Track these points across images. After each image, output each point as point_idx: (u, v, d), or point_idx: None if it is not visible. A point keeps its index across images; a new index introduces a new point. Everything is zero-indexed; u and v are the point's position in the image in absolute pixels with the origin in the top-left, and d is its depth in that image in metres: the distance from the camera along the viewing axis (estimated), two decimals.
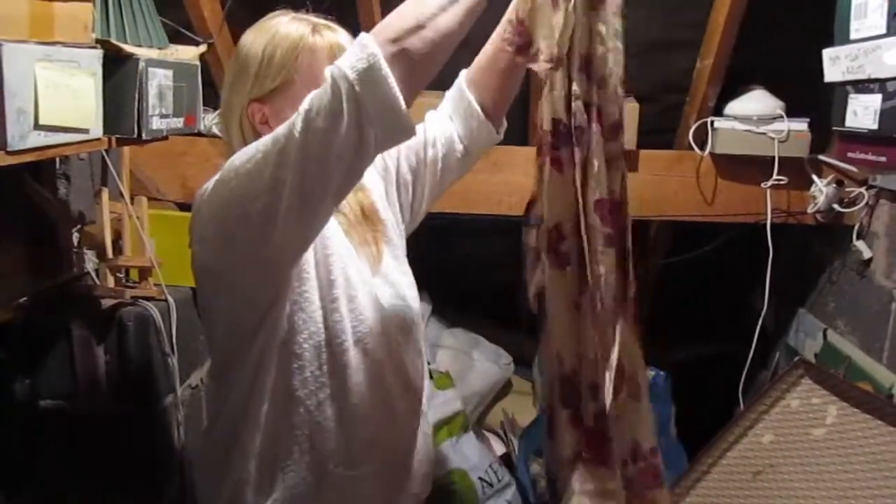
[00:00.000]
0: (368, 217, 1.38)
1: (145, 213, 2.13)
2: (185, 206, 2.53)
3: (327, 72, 1.05)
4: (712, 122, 2.41)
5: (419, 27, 1.04)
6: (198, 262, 1.27)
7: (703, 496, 2.08)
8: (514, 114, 2.68)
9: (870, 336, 2.18)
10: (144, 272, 2.08)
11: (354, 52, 1.04)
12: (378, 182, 1.47)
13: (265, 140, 1.10)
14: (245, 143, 1.23)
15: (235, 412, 1.27)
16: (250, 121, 1.23)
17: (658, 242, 2.99)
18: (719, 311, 3.00)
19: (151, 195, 2.38)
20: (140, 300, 2.03)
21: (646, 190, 2.47)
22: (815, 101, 2.18)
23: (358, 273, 1.29)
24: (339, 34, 1.24)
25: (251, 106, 1.24)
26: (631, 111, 2.39)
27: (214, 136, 2.48)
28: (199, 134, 2.32)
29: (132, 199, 2.11)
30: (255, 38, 1.24)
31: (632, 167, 2.46)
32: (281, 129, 1.08)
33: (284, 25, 1.23)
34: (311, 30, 1.23)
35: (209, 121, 2.40)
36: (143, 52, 1.53)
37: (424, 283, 1.63)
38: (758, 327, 2.50)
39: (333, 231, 1.29)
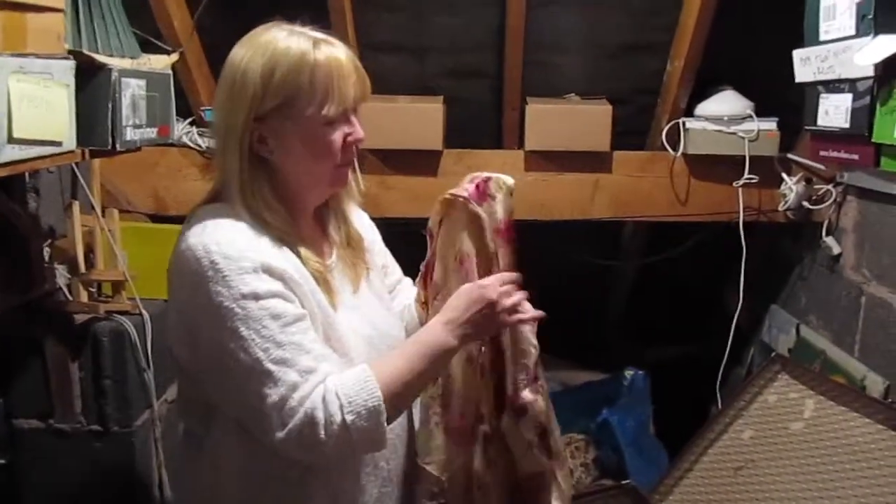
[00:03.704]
0: (352, 244, 1.39)
1: (117, 225, 2.10)
2: (157, 218, 2.50)
3: (337, 407, 1.14)
4: (684, 123, 2.45)
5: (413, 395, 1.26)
6: (168, 322, 1.25)
7: (685, 493, 2.11)
8: (487, 117, 2.72)
9: (841, 330, 2.23)
10: (118, 286, 2.05)
11: (369, 414, 1.15)
12: (369, 231, 1.49)
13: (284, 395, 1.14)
14: (242, 162, 1.20)
15: (219, 448, 1.25)
16: (250, 140, 1.21)
17: (633, 243, 3.02)
18: (695, 310, 3.04)
19: (122, 207, 2.34)
20: (114, 315, 1.99)
21: (620, 191, 2.50)
22: (783, 100, 2.23)
23: (338, 304, 1.29)
24: (338, 48, 1.22)
25: (251, 125, 1.21)
26: (604, 113, 2.42)
27: (185, 146, 2.45)
28: (171, 144, 2.29)
29: (103, 211, 2.08)
30: (251, 55, 1.19)
31: (606, 168, 2.49)
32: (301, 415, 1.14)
33: (283, 41, 1.19)
34: (312, 45, 1.20)
35: (180, 130, 2.38)
36: (116, 63, 1.51)
37: None
38: (733, 325, 2.54)
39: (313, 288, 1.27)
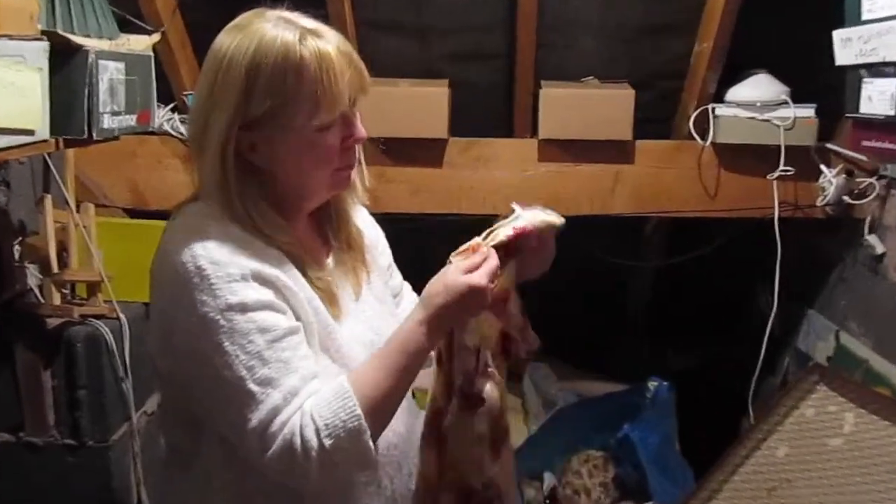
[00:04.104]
0: (352, 247, 1.40)
1: (92, 221, 2.12)
2: (135, 213, 2.52)
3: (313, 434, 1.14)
4: (713, 110, 2.46)
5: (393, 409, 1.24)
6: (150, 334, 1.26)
7: None
8: (497, 103, 2.73)
9: (885, 336, 2.23)
10: (93, 287, 2.07)
11: (349, 435, 1.15)
12: (371, 229, 1.49)
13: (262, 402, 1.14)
14: (226, 171, 1.20)
15: (209, 464, 1.26)
16: (236, 148, 1.21)
17: (655, 241, 3.03)
18: (723, 315, 3.04)
19: (98, 201, 2.36)
20: (89, 319, 2.01)
21: (642, 183, 2.51)
22: (822, 85, 2.23)
23: (338, 315, 1.30)
24: (328, 40, 1.21)
25: (238, 133, 1.21)
26: (626, 98, 2.42)
27: (167, 134, 2.47)
28: (151, 132, 2.31)
29: (78, 206, 2.09)
30: (236, 47, 1.17)
31: (628, 159, 2.50)
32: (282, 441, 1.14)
33: (270, 31, 1.19)
34: (298, 38, 1.19)
35: (161, 117, 2.39)
36: (93, 44, 1.52)
37: None
38: (766, 331, 2.54)
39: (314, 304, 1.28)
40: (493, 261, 1.25)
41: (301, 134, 1.21)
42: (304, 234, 1.34)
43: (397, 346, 1.23)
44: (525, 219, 1.31)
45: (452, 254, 1.35)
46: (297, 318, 1.21)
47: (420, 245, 2.68)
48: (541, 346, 1.49)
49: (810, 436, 2.04)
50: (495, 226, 1.33)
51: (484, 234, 1.33)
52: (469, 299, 1.22)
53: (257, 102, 1.18)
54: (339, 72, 1.19)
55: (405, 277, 1.61)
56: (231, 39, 1.20)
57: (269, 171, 1.24)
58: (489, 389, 1.37)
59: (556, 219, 1.35)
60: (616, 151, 2.49)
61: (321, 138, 1.22)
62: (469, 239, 1.36)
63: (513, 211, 1.34)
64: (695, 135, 2.46)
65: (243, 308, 1.15)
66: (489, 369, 1.36)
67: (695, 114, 2.46)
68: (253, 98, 1.17)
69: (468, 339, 1.35)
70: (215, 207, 1.21)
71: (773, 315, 2.52)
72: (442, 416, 1.37)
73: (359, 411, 1.16)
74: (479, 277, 1.22)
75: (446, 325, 1.26)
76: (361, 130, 1.27)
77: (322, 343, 1.24)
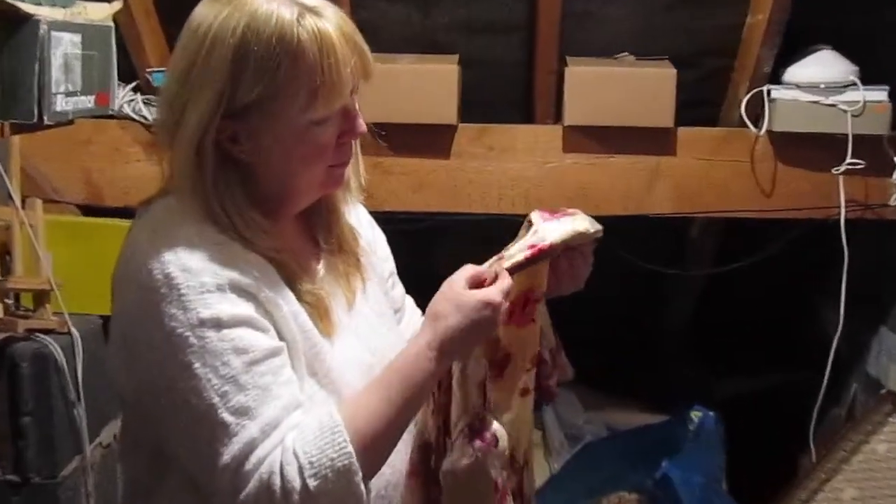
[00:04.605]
0: (344, 248, 1.40)
1: (40, 219, 2.13)
2: (90, 210, 2.53)
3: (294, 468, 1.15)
4: (769, 92, 2.46)
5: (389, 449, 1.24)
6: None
7: None
8: (514, 83, 2.74)
9: None
10: (41, 297, 2.08)
11: (337, 476, 1.15)
12: (368, 230, 1.51)
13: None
14: (203, 164, 1.20)
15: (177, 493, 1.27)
16: (215, 139, 1.21)
17: (701, 246, 3.03)
18: (779, 333, 3.04)
19: (48, 196, 2.37)
20: (36, 334, 2.02)
21: (686, 179, 2.52)
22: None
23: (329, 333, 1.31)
24: (327, 20, 1.21)
25: (220, 123, 1.21)
26: (666, 78, 2.43)
27: (127, 117, 2.48)
28: (110, 116, 2.32)
29: (23, 202, 2.10)
30: (222, 23, 1.16)
31: (668, 150, 2.51)
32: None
33: (263, 5, 1.18)
34: (296, 17, 1.19)
35: (121, 98, 2.41)
36: (44, 12, 1.54)
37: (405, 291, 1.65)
38: (831, 352, 2.54)
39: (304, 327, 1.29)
40: (507, 279, 1.26)
41: (292, 127, 1.21)
42: (291, 237, 1.34)
43: (399, 373, 1.24)
44: (546, 232, 1.31)
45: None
46: (281, 337, 1.22)
47: (423, 250, 2.69)
48: (574, 376, 1.50)
49: (882, 475, 2.05)
50: (515, 247, 1.34)
51: (496, 259, 1.34)
52: (484, 318, 1.23)
53: (244, 89, 1.18)
54: (341, 59, 1.19)
55: (407, 286, 1.61)
56: (216, 12, 1.19)
57: (251, 166, 1.24)
58: (497, 427, 1.37)
59: (589, 227, 1.35)
60: (655, 141, 2.50)
61: (315, 133, 1.22)
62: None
63: (531, 223, 1.35)
64: (747, 122, 2.47)
65: (217, 324, 1.15)
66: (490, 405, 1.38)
67: (747, 97, 2.47)
68: (240, 84, 1.17)
69: (472, 368, 1.36)
70: (188, 205, 1.21)
71: (838, 333, 2.52)
72: (430, 451, 1.39)
73: (349, 448, 1.16)
74: (494, 293, 1.23)
75: (458, 349, 1.26)
76: (362, 125, 1.27)
77: (309, 366, 1.25)
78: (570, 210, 1.38)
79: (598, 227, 1.36)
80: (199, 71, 1.18)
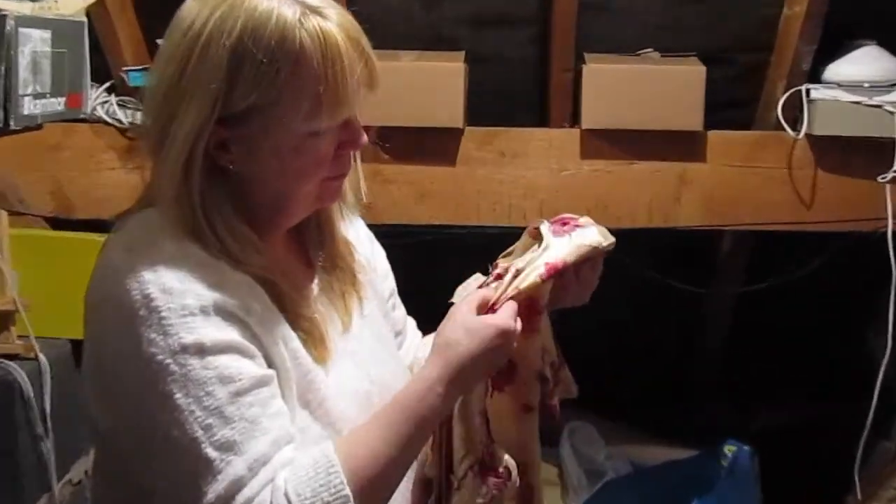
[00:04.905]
0: (339, 265, 1.40)
1: (5, 233, 2.14)
2: (59, 223, 2.54)
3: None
4: (808, 92, 2.46)
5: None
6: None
7: None
8: (526, 82, 2.74)
9: None
10: (6, 319, 2.08)
11: None
12: (367, 245, 1.51)
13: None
14: (190, 175, 1.21)
15: None
16: (206, 144, 1.21)
17: (734, 263, 3.03)
18: (821, 358, 3.04)
19: (13, 208, 2.38)
20: (0, 359, 2.03)
21: (716, 188, 2.52)
22: None
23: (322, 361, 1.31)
24: (332, 22, 1.21)
25: (211, 127, 1.21)
26: (694, 77, 2.44)
27: (101, 121, 2.49)
28: (82, 119, 2.33)
29: None
30: (217, 21, 1.14)
31: (697, 156, 2.51)
32: None
33: (263, 3, 1.19)
34: (299, 17, 1.19)
35: (94, 100, 2.41)
36: (11, 7, 1.54)
37: (407, 313, 1.64)
38: (878, 380, 2.53)
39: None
40: (514, 303, 1.28)
41: (289, 136, 1.21)
42: (282, 254, 1.35)
43: (404, 409, 1.24)
44: (558, 249, 1.33)
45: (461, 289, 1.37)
46: (270, 364, 1.22)
47: (426, 267, 2.69)
48: (578, 394, 1.50)
49: None
50: (522, 255, 1.35)
51: (501, 268, 1.35)
52: (498, 347, 1.24)
53: (239, 95, 1.18)
54: (348, 67, 1.19)
55: (407, 305, 1.61)
56: (209, 10, 1.19)
57: (240, 177, 1.24)
58: (508, 458, 1.38)
59: (602, 240, 1.36)
60: (682, 146, 2.50)
61: (313, 144, 1.23)
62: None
63: (539, 234, 1.35)
64: (784, 124, 2.47)
65: (201, 350, 1.15)
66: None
67: (784, 97, 2.47)
68: (235, 89, 1.18)
69: (473, 396, 1.36)
70: (170, 218, 1.22)
71: (886, 359, 2.52)
72: (430, 487, 1.40)
73: (346, 491, 1.16)
74: (507, 319, 1.25)
75: (469, 382, 1.27)
76: (363, 136, 1.28)
77: (301, 396, 1.25)
78: (581, 220, 1.39)
79: (611, 239, 1.37)
80: (193, 74, 1.18)
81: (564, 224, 1.38)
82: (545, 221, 1.38)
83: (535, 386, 1.41)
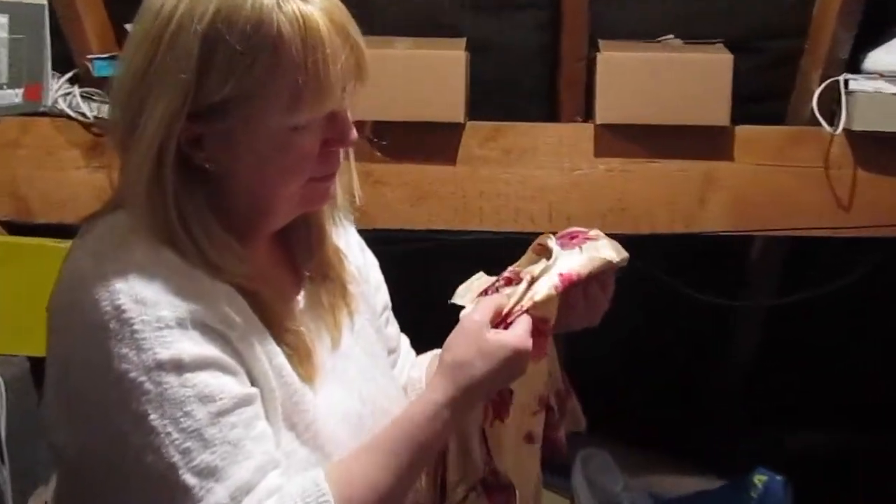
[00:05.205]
0: (329, 275, 1.40)
1: None
2: (16, 228, 2.54)
3: None
4: (846, 83, 2.46)
5: None
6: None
7: None
8: (534, 72, 2.74)
9: None
10: None
11: None
12: (358, 254, 1.53)
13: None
14: (162, 173, 1.20)
15: None
16: (178, 140, 1.21)
17: (764, 272, 3.03)
18: (860, 377, 3.03)
19: None
20: None
21: (745, 189, 2.52)
22: None
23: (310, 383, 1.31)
24: (314, 5, 1.21)
25: (182, 122, 1.21)
26: (721, 66, 2.44)
27: (62, 115, 2.48)
28: (41, 113, 2.33)
29: None
30: (189, 5, 1.16)
31: (724, 153, 2.51)
32: None
33: None
34: (277, 0, 1.19)
35: (55, 91, 2.41)
36: None
37: (402, 328, 1.64)
38: None
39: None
40: (528, 318, 1.30)
41: (268, 132, 1.22)
42: (266, 262, 1.35)
43: (405, 434, 1.25)
44: (569, 262, 1.33)
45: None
46: (253, 383, 1.23)
47: (422, 278, 2.69)
48: (586, 427, 1.51)
49: None
50: (529, 268, 1.35)
51: (510, 273, 1.35)
52: (513, 368, 1.26)
53: (212, 86, 1.18)
54: (330, 55, 1.20)
55: (403, 319, 1.61)
56: None
57: (218, 177, 1.25)
58: (511, 480, 1.39)
59: (615, 254, 1.37)
60: (706, 143, 2.51)
61: (295, 140, 1.23)
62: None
63: (545, 250, 1.36)
64: (820, 119, 2.47)
65: (178, 366, 1.16)
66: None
67: (820, 89, 2.47)
68: (207, 80, 1.18)
69: (470, 421, 1.37)
70: (142, 222, 1.22)
71: None
72: None
73: None
74: (524, 338, 1.26)
75: (476, 404, 1.27)
76: (353, 132, 1.28)
77: (287, 417, 1.26)
78: (591, 233, 1.39)
79: (625, 254, 1.38)
80: (162, 63, 1.19)
81: (573, 238, 1.39)
82: (551, 236, 1.38)
83: (540, 416, 1.42)
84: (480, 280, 1.43)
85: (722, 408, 3.39)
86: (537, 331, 1.32)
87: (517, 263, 1.41)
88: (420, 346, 1.62)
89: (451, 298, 1.41)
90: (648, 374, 3.22)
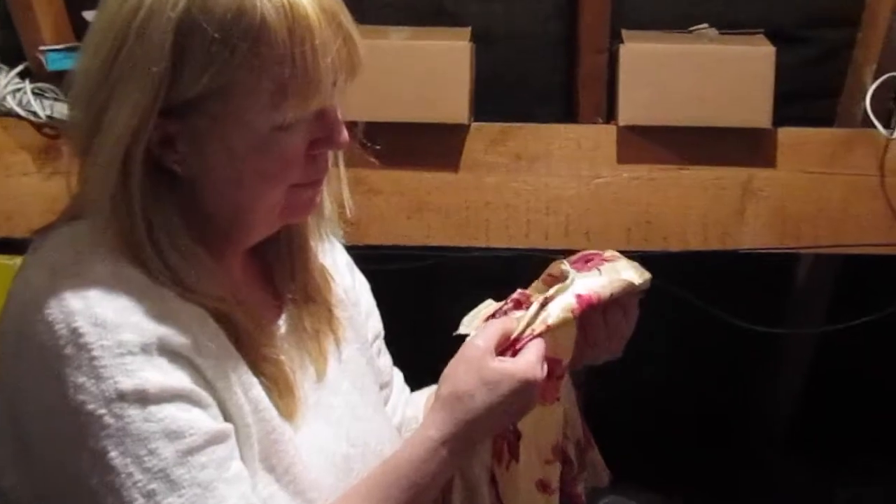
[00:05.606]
0: (313, 297, 1.41)
1: None
2: None
3: None
4: None
5: None
6: None
7: None
8: (548, 67, 2.74)
9: None
10: None
11: None
12: (346, 275, 1.54)
13: None
14: (128, 179, 1.20)
15: None
16: (147, 140, 1.21)
17: (813, 294, 3.03)
18: None
19: None
20: None
21: (789, 200, 2.53)
22: None
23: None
24: None
25: (153, 120, 1.21)
26: (762, 60, 2.45)
27: (11, 114, 2.50)
28: None
29: None
30: None
31: (765, 159, 2.52)
32: None
33: None
34: None
35: (3, 88, 2.42)
36: None
37: (397, 360, 1.66)
38: None
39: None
40: (541, 344, 1.30)
41: (249, 132, 1.23)
42: (242, 281, 1.36)
43: (399, 476, 1.26)
44: (587, 286, 1.34)
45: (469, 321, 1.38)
46: (227, 417, 1.24)
47: (421, 300, 2.69)
48: (611, 480, 1.51)
49: None
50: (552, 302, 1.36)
51: (519, 295, 1.36)
52: (521, 401, 1.27)
53: (187, 80, 1.19)
54: (320, 47, 1.20)
55: (402, 341, 1.62)
56: None
57: (190, 182, 1.26)
58: None
59: (637, 277, 1.38)
60: (745, 147, 2.52)
61: (279, 141, 1.24)
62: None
63: (557, 278, 1.37)
64: (874, 120, 2.48)
65: (142, 398, 1.16)
66: None
67: (874, 86, 2.48)
68: (181, 73, 1.19)
69: (476, 461, 1.38)
70: (104, 235, 1.23)
71: None
72: None
73: None
74: (533, 367, 1.27)
75: (480, 440, 1.28)
76: (343, 134, 1.29)
77: (264, 457, 1.27)
78: (606, 254, 1.40)
79: (647, 276, 1.39)
80: (129, 53, 1.20)
81: (588, 261, 1.40)
82: (564, 261, 1.39)
83: (555, 467, 1.42)
84: (489, 308, 1.43)
85: (766, 446, 3.39)
86: (551, 370, 1.33)
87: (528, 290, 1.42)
88: (416, 382, 1.63)
89: (453, 329, 1.41)
90: (683, 410, 3.22)
